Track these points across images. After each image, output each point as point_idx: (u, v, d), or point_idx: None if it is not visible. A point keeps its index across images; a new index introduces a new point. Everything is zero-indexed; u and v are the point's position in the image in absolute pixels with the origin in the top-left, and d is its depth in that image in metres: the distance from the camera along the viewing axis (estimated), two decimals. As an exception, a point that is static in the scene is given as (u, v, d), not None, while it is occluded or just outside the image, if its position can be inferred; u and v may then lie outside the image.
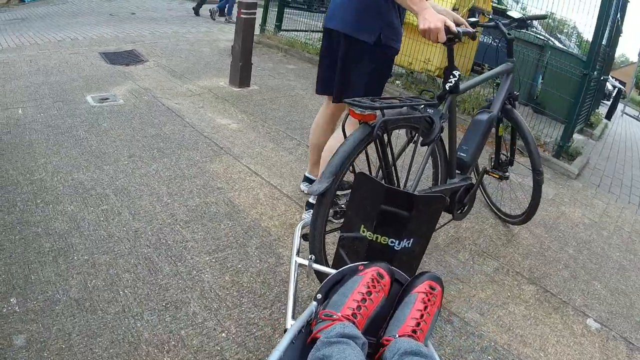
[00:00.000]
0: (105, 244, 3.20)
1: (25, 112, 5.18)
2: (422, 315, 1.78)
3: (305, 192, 4.18)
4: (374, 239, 2.16)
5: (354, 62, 3.27)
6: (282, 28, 11.29)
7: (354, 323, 1.69)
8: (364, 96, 2.86)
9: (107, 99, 5.79)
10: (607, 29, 7.09)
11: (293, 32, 11.29)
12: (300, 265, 2.17)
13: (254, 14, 6.90)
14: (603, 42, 7.17)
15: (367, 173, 2.28)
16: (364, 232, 2.17)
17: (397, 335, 1.71)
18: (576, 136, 8.07)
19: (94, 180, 3.95)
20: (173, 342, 2.51)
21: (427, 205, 2.16)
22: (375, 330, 1.84)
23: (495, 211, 4.78)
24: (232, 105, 6.28)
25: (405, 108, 2.70)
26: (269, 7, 11.31)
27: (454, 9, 7.89)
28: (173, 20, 12.54)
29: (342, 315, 1.70)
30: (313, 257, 2.19)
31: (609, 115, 14.86)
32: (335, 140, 3.42)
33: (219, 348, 2.52)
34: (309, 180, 4.15)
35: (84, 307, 2.66)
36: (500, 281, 3.67)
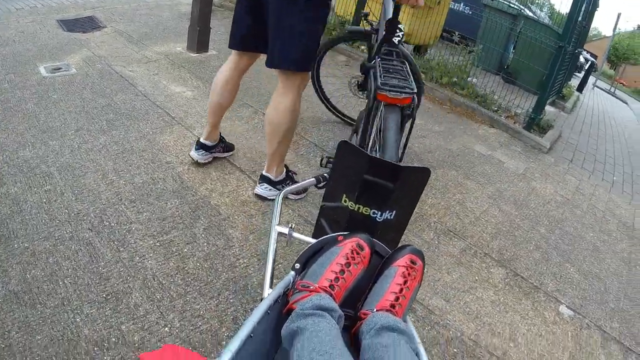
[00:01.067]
0: (46, 228, 2.96)
1: (-23, 87, 4.86)
2: (401, 290, 1.75)
3: (199, 160, 3.85)
4: (356, 210, 2.10)
5: (289, 20, 2.97)
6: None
7: (331, 295, 1.66)
8: (303, 56, 3.04)
9: (59, 68, 5.47)
10: (584, 2, 6.94)
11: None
12: (280, 233, 2.14)
13: (215, -26, 6.55)
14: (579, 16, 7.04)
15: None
16: (345, 202, 2.11)
17: (375, 309, 1.68)
18: (548, 108, 7.95)
19: (39, 157, 3.68)
20: (113, 339, 2.31)
21: (412, 176, 2.09)
22: (354, 302, 1.82)
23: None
24: (188, 72, 5.96)
25: None
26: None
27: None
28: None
29: (319, 287, 1.67)
30: (292, 225, 2.16)
31: (580, 88, 14.85)
32: (278, 113, 3.21)
33: (161, 345, 2.33)
34: (204, 147, 3.84)
35: (23, 300, 2.44)
36: (468, 263, 3.53)
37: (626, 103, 25.28)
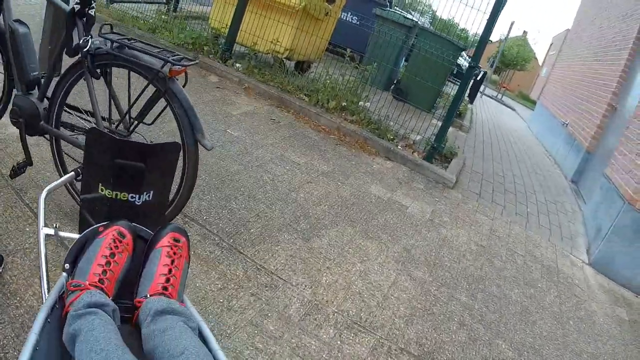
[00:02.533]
0: None
1: None
2: (170, 270, 1.79)
3: None
4: (114, 197, 2.12)
5: None
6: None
7: (102, 289, 1.67)
8: None
9: None
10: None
11: (128, 5, 9.96)
12: (47, 235, 2.08)
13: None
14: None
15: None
16: (102, 190, 2.12)
17: (148, 295, 1.71)
18: (447, 130, 7.35)
19: None
20: None
21: (162, 153, 2.18)
22: (130, 292, 1.83)
23: None
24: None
25: None
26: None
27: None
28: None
29: (89, 283, 1.66)
30: (57, 224, 2.14)
31: (472, 98, 14.69)
32: None
33: None
34: None
35: None
36: (383, 367, 2.80)
37: (514, 110, 26.13)
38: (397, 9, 12.86)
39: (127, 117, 3.06)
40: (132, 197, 2.11)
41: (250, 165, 4.65)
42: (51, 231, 2.09)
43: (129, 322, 1.68)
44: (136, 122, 2.99)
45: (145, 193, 2.14)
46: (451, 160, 6.50)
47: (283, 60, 8.22)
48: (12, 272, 2.70)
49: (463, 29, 11.50)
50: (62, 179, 2.63)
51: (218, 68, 7.43)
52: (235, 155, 4.77)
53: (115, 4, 9.83)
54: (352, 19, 11.44)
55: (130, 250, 1.87)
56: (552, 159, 11.95)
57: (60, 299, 1.67)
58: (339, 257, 3.69)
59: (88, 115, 3.31)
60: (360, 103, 7.03)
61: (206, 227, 3.48)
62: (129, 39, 2.91)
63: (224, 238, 3.42)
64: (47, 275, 1.89)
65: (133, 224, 1.97)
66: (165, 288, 1.71)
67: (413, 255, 4.04)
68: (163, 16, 9.53)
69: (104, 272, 1.70)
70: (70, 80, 3.11)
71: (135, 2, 10.12)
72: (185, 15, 10.15)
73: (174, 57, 2.68)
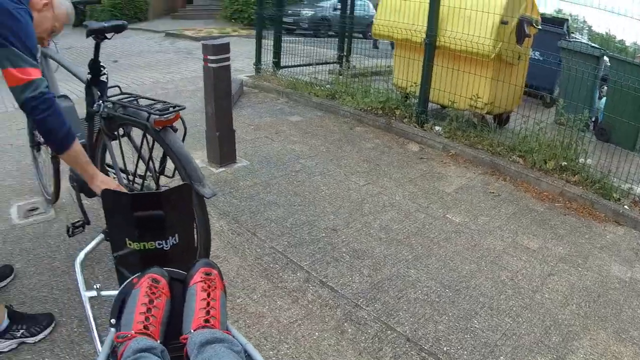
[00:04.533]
0: None
1: None
2: (208, 303, 1.92)
3: None
4: (142, 248, 2.25)
5: None
6: (281, 65, 10.12)
7: (148, 335, 1.78)
8: None
9: (36, 209, 4.62)
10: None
11: (297, 68, 10.10)
12: (91, 298, 2.25)
13: (227, 59, 5.57)
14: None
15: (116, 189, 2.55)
16: (130, 245, 2.25)
17: (192, 330, 1.82)
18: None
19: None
20: None
21: (174, 196, 2.30)
22: (178, 332, 1.92)
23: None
24: (208, 203, 4.29)
25: None
26: (262, 39, 10.04)
27: (502, 22, 7.05)
28: (157, 65, 11.54)
29: (135, 332, 1.78)
30: (98, 285, 2.29)
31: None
32: None
33: None
34: None
35: None
36: None
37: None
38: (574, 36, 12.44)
39: (145, 171, 3.19)
40: (159, 244, 2.25)
41: (484, 261, 4.38)
42: (94, 293, 2.28)
43: None
44: (158, 175, 3.13)
45: (171, 237, 2.28)
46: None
47: (485, 117, 7.89)
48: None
49: (620, 40, 11.01)
50: (93, 242, 2.81)
51: (416, 134, 7.29)
52: (464, 250, 4.52)
53: (283, 69, 9.92)
54: (533, 55, 10.97)
55: (167, 293, 2.03)
56: None
57: (113, 352, 1.84)
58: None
59: (128, 174, 3.49)
60: (581, 160, 6.51)
61: (449, 365, 3.18)
62: (135, 97, 3.16)
63: (474, 377, 3.10)
64: (98, 333, 2.08)
65: (165, 268, 2.13)
66: (207, 320, 1.86)
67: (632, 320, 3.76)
68: (340, 77, 9.44)
69: (147, 318, 1.85)
70: (103, 143, 3.49)
71: (304, 66, 10.15)
72: (361, 73, 9.92)
73: (156, 109, 2.81)
